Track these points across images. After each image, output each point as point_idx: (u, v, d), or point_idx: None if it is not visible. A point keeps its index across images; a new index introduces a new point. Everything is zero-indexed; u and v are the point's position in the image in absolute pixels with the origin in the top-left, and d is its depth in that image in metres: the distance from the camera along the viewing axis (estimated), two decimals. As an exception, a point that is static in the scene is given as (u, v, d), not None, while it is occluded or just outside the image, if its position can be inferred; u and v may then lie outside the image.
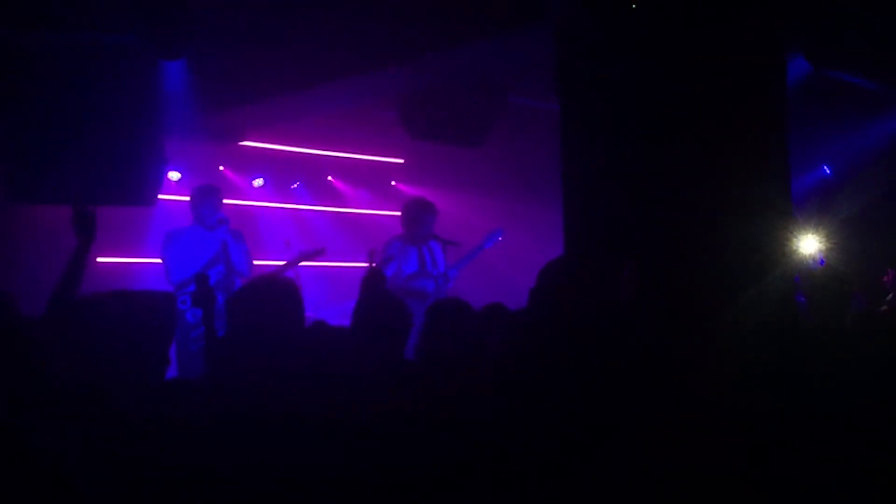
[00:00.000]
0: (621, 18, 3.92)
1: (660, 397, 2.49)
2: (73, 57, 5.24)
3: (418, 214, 6.85)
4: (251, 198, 8.48)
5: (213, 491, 2.28)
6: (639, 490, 2.28)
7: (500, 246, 7.28)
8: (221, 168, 8.25)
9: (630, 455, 2.30)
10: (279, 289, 3.06)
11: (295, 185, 8.70)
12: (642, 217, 3.81)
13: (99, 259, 6.99)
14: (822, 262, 7.10)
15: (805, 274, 4.21)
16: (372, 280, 3.89)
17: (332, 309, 7.44)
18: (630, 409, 2.40)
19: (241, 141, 8.04)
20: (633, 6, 3.88)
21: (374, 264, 4.03)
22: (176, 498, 2.24)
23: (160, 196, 6.61)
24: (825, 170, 8.75)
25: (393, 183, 9.38)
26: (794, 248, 3.78)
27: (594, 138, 4.04)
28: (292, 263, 6.61)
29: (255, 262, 6.69)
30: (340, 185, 9.13)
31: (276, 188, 8.63)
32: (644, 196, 3.82)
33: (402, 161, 9.30)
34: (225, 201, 6.64)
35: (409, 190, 9.00)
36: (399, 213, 7.04)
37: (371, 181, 9.23)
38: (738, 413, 2.38)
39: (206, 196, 6.38)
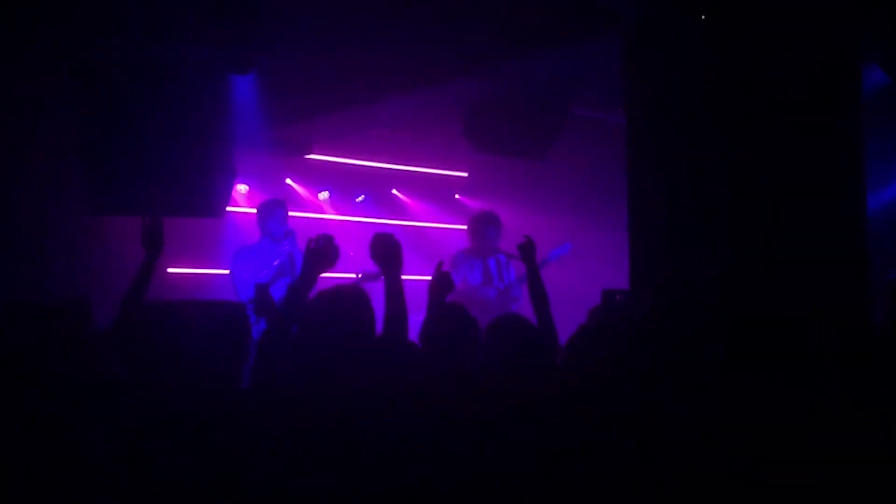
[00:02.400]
0: (690, 29, 3.87)
1: (730, 404, 2.45)
2: (144, 72, 5.36)
3: (482, 227, 6.92)
4: (317, 210, 8.57)
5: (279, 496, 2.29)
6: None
7: (566, 259, 7.22)
8: (288, 181, 8.36)
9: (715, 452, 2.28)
10: (350, 297, 3.07)
11: (360, 199, 8.76)
12: (710, 230, 3.74)
13: (169, 269, 7.14)
14: None
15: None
16: (438, 285, 3.87)
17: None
18: (702, 415, 2.37)
19: (307, 154, 8.14)
20: (703, 17, 3.83)
21: (442, 269, 4.01)
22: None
23: (228, 208, 6.72)
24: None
25: (457, 196, 9.39)
26: (868, 262, 3.67)
27: (661, 150, 3.98)
28: (368, 278, 6.46)
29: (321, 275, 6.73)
30: (405, 199, 9.18)
31: (341, 201, 8.71)
32: (713, 209, 3.75)
33: (465, 174, 9.30)
34: (291, 214, 6.73)
35: (474, 203, 9.00)
36: (463, 227, 7.04)
37: (435, 194, 9.26)
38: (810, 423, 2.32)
39: (273, 210, 6.47)
